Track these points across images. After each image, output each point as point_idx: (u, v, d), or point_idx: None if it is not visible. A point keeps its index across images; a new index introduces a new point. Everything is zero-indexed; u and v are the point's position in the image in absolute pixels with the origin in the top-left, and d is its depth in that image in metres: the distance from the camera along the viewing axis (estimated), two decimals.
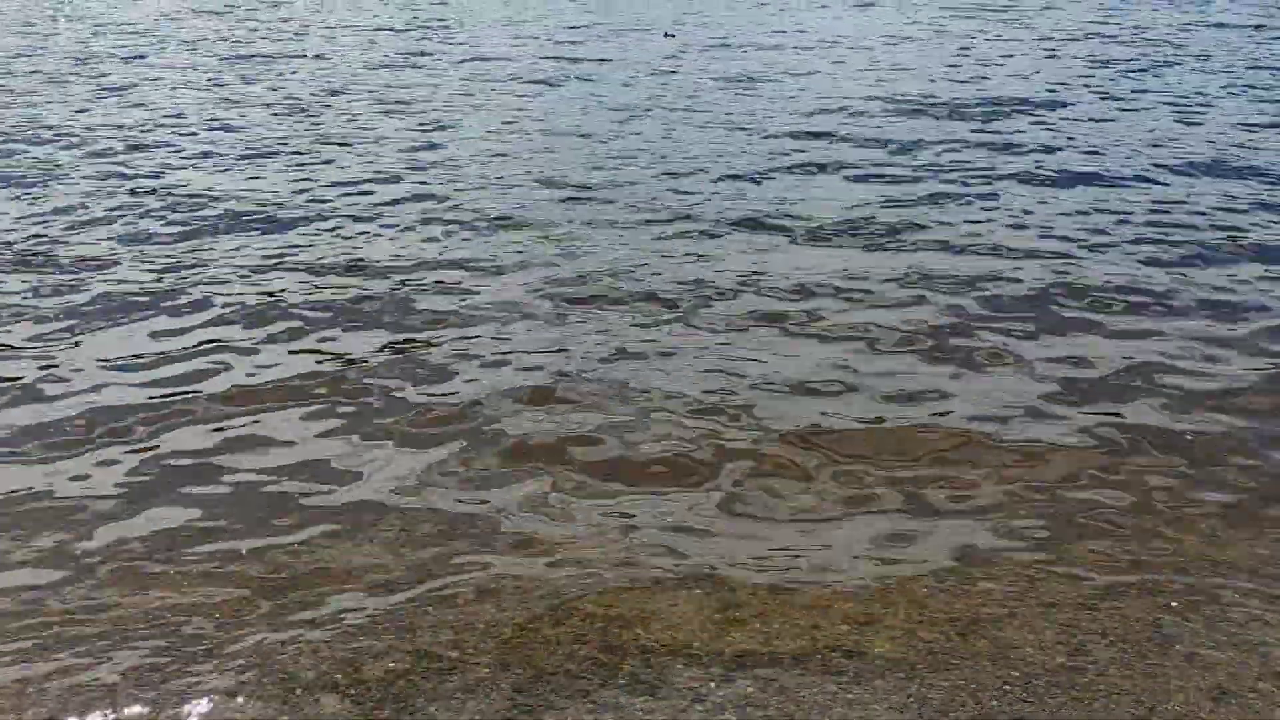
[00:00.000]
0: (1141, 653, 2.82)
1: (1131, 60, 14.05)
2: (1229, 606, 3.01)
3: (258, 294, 5.43)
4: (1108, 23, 18.92)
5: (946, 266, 5.85)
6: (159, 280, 5.62)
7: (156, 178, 7.78)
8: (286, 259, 5.99)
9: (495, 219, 6.68)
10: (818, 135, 9.14)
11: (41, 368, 4.58)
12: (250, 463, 3.80)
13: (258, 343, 4.83)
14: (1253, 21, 18.79)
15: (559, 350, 4.71)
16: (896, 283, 5.59)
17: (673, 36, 16.55)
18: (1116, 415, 4.18)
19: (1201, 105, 10.76)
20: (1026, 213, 6.93)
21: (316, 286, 5.53)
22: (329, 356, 4.69)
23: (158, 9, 20.63)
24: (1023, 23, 19.63)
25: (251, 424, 4.07)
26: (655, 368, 4.54)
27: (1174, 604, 3.02)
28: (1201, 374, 4.55)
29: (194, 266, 5.86)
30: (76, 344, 4.83)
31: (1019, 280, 5.64)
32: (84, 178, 7.75)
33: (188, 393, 4.32)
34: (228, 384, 4.40)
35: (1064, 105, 10.66)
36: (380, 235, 6.42)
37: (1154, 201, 7.22)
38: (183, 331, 4.95)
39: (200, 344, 4.80)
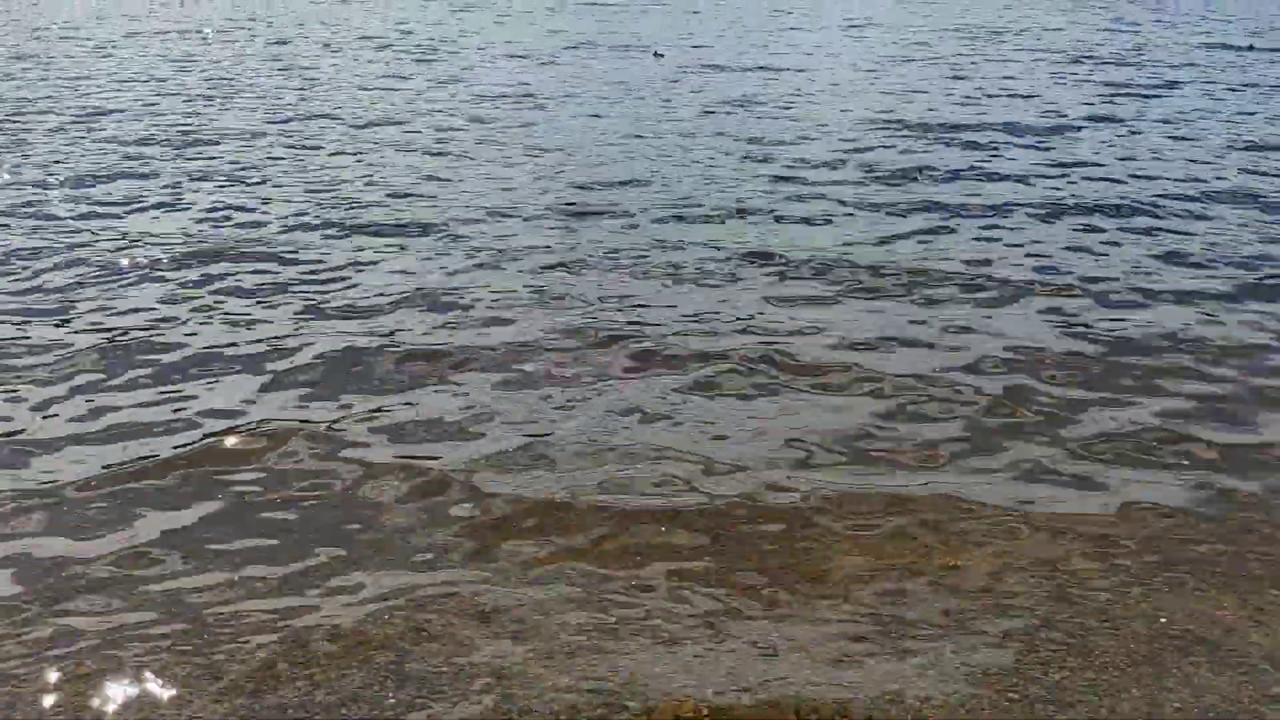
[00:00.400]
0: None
1: (1133, 82, 13.96)
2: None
3: (242, 338, 5.23)
4: (1107, 44, 18.82)
5: (952, 308, 5.67)
6: (141, 323, 5.44)
7: (142, 211, 7.59)
8: (272, 298, 5.79)
9: (492, 254, 6.47)
10: (818, 163, 8.99)
11: (13, 428, 4.39)
12: (231, 531, 3.61)
13: (243, 397, 4.59)
14: (1245, 41, 18.77)
15: (554, 401, 4.52)
16: (905, 323, 5.41)
17: (662, 56, 16.52)
18: (1137, 470, 4.02)
19: (1206, 128, 10.68)
20: (1035, 243, 6.77)
21: (302, 330, 5.33)
22: (315, 411, 4.48)
23: (150, 29, 20.50)
24: (1021, 45, 19.50)
25: (236, 486, 3.88)
26: (651, 421, 4.32)
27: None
28: (1227, 425, 4.39)
29: (176, 303, 5.67)
30: (49, 396, 4.63)
31: (1029, 323, 5.47)
32: (66, 207, 7.57)
33: (172, 450, 4.13)
34: (206, 444, 4.18)
35: (1067, 131, 10.55)
36: (370, 269, 6.23)
37: (1164, 233, 7.06)
38: (163, 381, 4.73)
39: (181, 396, 4.59)
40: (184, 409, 4.44)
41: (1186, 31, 20.15)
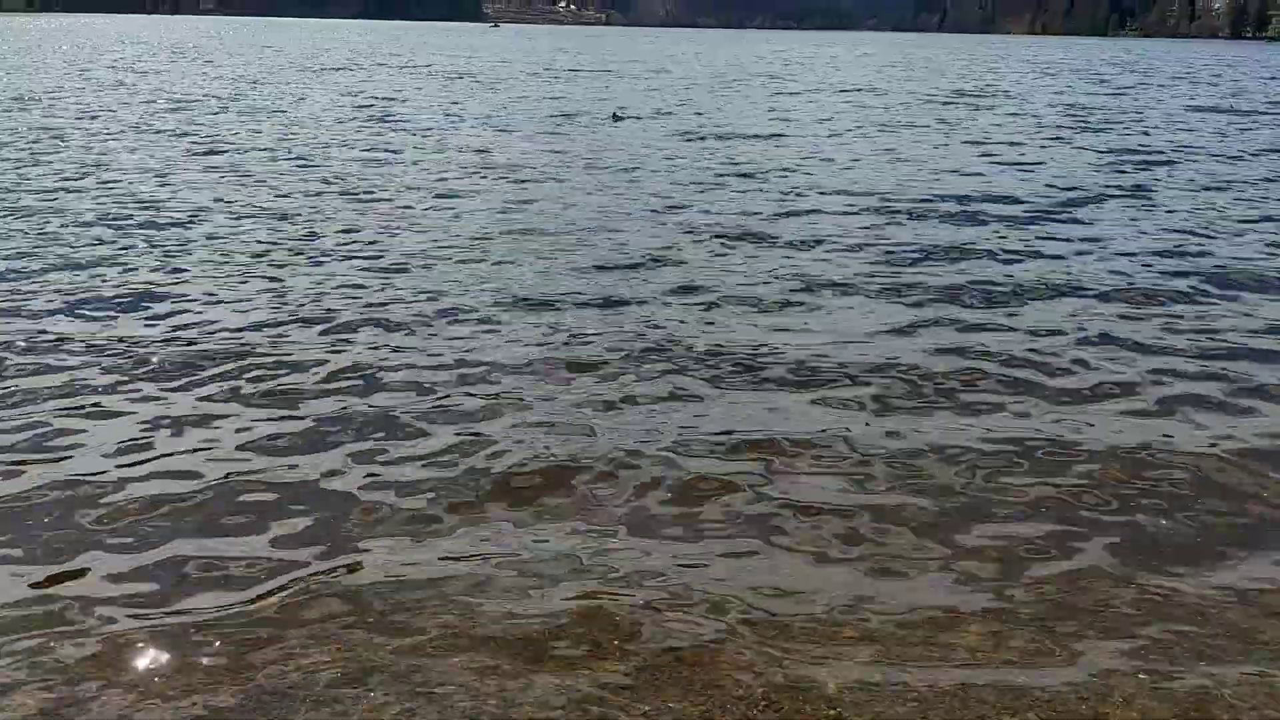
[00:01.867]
0: None
1: (1140, 151, 13.61)
2: None
3: (206, 419, 4.41)
4: (1107, 108, 18.65)
5: (964, 418, 4.79)
6: (119, 404, 4.58)
7: (120, 284, 6.69)
8: (236, 383, 4.92)
9: (461, 341, 5.58)
10: (812, 243, 8.17)
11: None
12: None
13: (216, 485, 3.81)
14: (1245, 106, 18.58)
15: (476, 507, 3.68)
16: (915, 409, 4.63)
17: (620, 119, 16.39)
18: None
19: (1221, 199, 10.23)
20: (1056, 333, 6.03)
21: (263, 412, 4.51)
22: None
23: (130, 99, 19.99)
24: (1020, 111, 19.25)
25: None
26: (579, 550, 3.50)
27: None
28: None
29: (146, 379, 4.83)
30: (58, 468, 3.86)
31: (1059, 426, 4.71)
32: (56, 282, 6.67)
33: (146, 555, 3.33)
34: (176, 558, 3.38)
35: (1078, 205, 9.94)
36: (338, 349, 5.36)
37: (1183, 318, 6.30)
38: (121, 479, 3.92)
39: (152, 507, 3.77)
40: (162, 510, 3.60)
41: (1182, 96, 19.93)
